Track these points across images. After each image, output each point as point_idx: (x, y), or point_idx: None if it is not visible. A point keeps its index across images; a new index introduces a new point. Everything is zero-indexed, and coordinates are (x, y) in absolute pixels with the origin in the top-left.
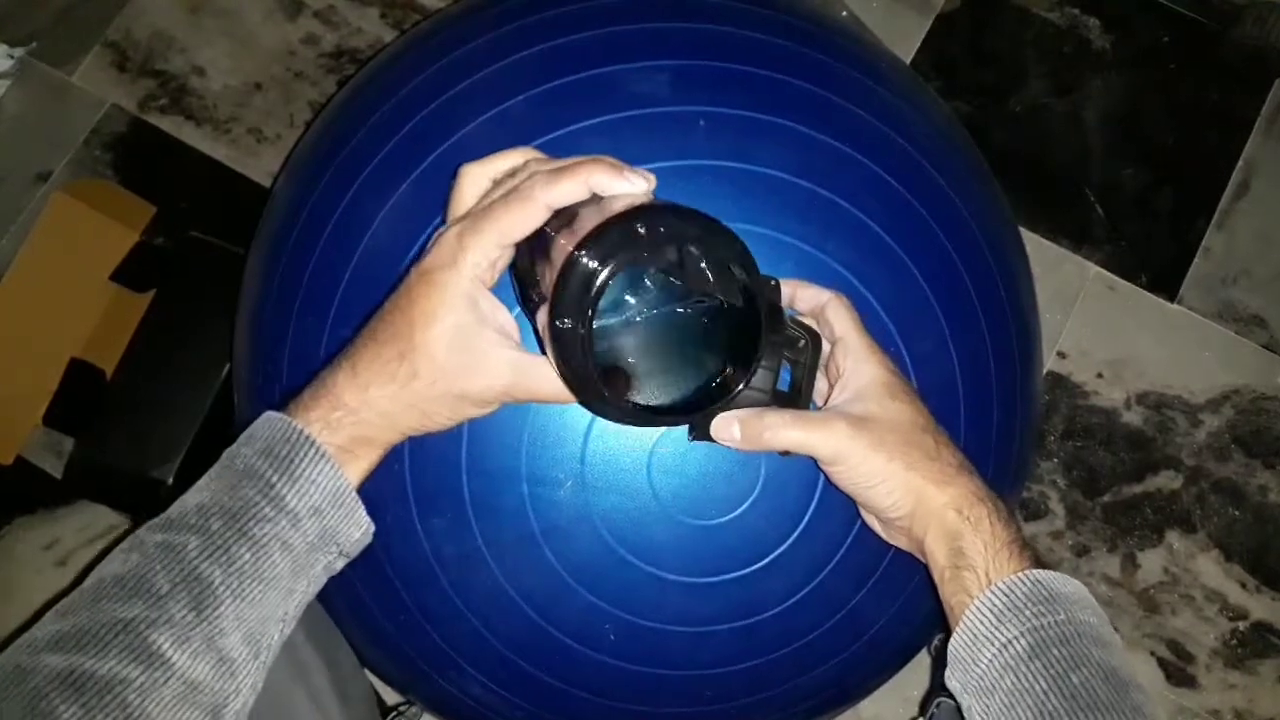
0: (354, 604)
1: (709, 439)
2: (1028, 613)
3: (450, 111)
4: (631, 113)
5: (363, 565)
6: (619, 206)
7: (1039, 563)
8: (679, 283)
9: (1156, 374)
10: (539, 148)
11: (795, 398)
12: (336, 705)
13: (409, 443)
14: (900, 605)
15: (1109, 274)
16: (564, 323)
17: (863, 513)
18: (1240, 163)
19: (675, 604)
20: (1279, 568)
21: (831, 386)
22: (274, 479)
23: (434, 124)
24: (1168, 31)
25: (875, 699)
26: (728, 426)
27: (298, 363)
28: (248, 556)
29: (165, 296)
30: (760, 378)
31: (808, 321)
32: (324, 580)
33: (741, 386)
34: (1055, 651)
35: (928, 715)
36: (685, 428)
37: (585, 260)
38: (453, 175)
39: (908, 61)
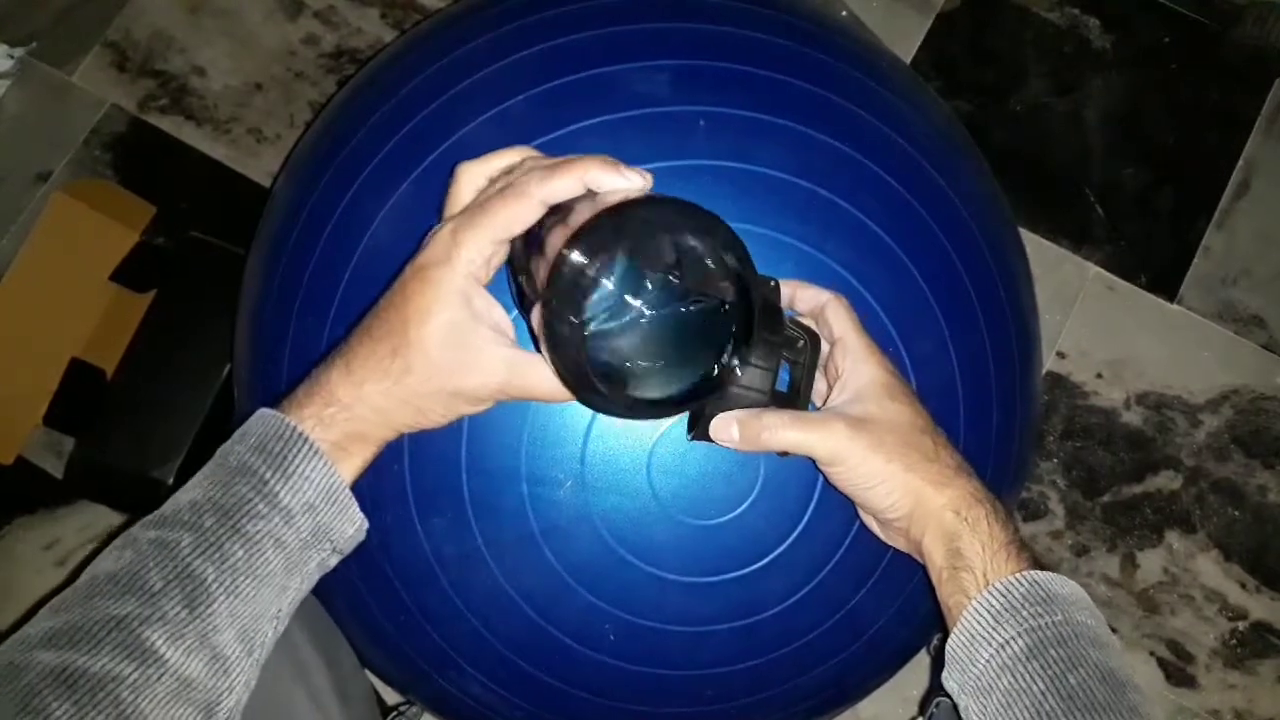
0: (354, 604)
1: (708, 439)
2: (1025, 613)
3: (450, 111)
4: (631, 113)
5: (363, 565)
6: (614, 202)
7: (1037, 564)
8: (677, 282)
9: (1156, 374)
10: (539, 147)
11: (794, 398)
12: (336, 705)
13: (409, 442)
14: (899, 605)
15: (1109, 274)
16: (558, 318)
17: (861, 513)
18: (1240, 162)
19: (675, 604)
20: (1278, 568)
21: (830, 387)
22: (267, 475)
23: (434, 124)
24: (1168, 31)
25: (875, 699)
26: (726, 427)
27: (298, 363)
28: (241, 553)
29: (165, 296)
30: (759, 378)
31: (807, 322)
32: (318, 577)
33: (737, 370)
34: (1052, 652)
35: (926, 715)
36: (685, 429)
37: (577, 254)
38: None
39: (908, 61)
